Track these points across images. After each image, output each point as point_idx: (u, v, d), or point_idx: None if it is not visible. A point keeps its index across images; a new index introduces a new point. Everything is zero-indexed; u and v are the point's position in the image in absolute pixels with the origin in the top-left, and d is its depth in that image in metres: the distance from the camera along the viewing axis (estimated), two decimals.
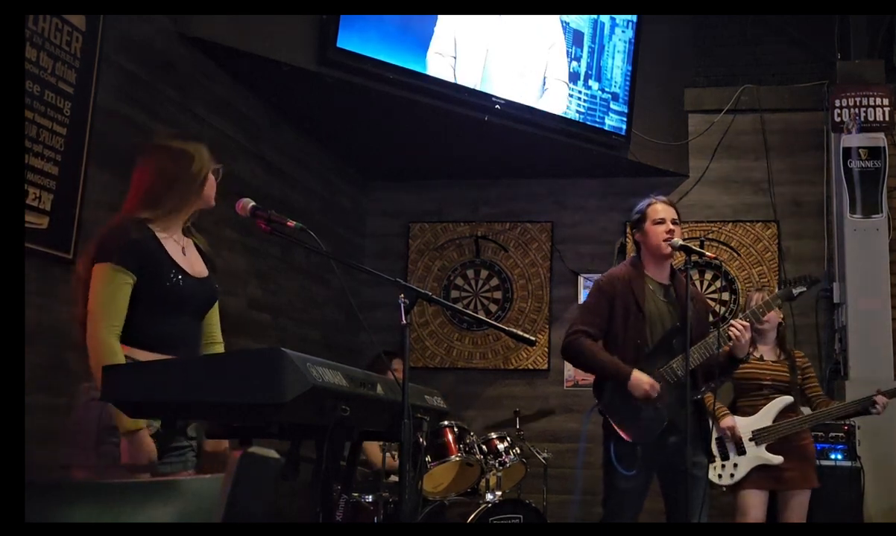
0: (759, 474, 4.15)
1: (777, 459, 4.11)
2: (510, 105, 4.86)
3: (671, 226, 3.45)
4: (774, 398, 4.20)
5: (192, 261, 2.52)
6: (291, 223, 2.28)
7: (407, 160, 5.95)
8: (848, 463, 4.58)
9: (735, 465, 4.15)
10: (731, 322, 3.42)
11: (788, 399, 4.18)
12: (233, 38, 4.13)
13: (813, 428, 4.38)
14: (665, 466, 3.40)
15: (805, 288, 3.63)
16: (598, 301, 3.53)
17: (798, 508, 4.16)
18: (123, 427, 2.23)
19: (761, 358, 4.25)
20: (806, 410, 4.28)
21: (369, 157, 5.96)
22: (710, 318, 3.71)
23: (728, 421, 4.17)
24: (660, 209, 3.48)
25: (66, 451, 2.33)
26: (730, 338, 3.38)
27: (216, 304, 2.64)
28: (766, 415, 4.18)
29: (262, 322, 4.95)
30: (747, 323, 3.39)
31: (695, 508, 3.28)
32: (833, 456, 4.58)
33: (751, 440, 4.14)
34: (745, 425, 4.18)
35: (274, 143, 5.05)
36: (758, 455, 4.14)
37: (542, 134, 5.12)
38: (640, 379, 3.32)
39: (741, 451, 4.15)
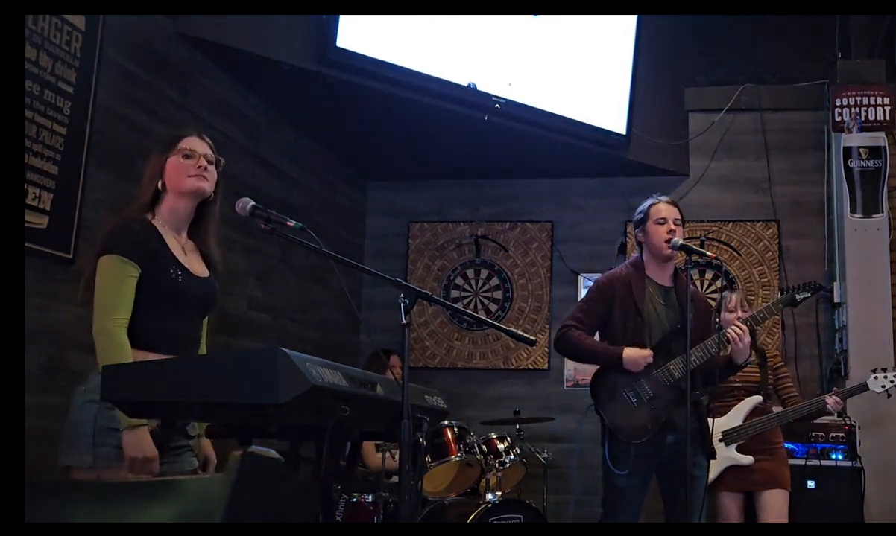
0: (732, 475, 4.13)
1: (747, 459, 4.10)
2: (510, 105, 4.86)
3: (673, 227, 3.44)
4: (745, 398, 4.21)
5: (191, 261, 2.52)
6: (291, 223, 2.27)
7: (407, 160, 5.95)
8: (848, 463, 4.57)
9: None
10: (730, 326, 3.41)
11: (757, 398, 4.19)
12: (233, 38, 4.13)
13: (790, 428, 4.37)
14: (664, 466, 3.40)
15: (808, 294, 3.63)
16: (594, 301, 3.54)
17: (774, 508, 4.10)
18: (126, 421, 2.23)
19: None
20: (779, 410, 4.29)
21: (369, 157, 5.96)
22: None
23: None
24: (663, 209, 3.48)
25: (64, 453, 2.32)
26: (728, 342, 3.38)
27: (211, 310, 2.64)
28: (735, 416, 4.18)
29: (262, 322, 4.95)
30: (746, 328, 3.38)
31: (694, 508, 3.28)
32: (833, 456, 4.58)
33: (720, 441, 4.14)
34: (715, 427, 4.12)
35: (274, 143, 5.05)
36: (728, 455, 4.13)
37: (542, 134, 5.12)
38: (633, 354, 3.33)
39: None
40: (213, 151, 2.56)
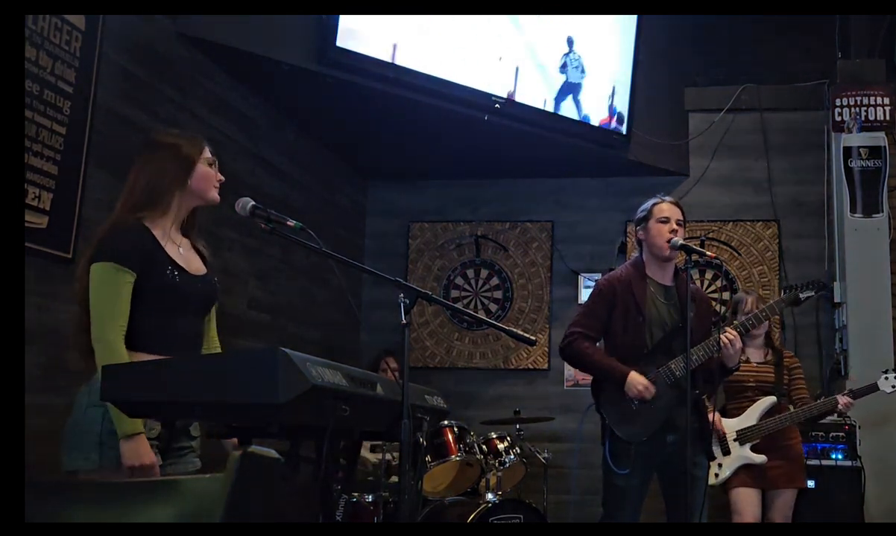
0: (746, 473, 4.18)
1: (760, 458, 4.15)
2: (510, 104, 4.86)
3: (675, 226, 3.44)
4: (759, 399, 4.24)
5: (188, 259, 2.52)
6: (291, 222, 2.27)
7: (407, 160, 5.94)
8: (848, 463, 4.57)
9: (720, 465, 4.20)
10: (723, 332, 3.40)
11: (772, 399, 4.22)
12: (233, 38, 4.13)
13: (802, 427, 4.40)
14: (664, 465, 3.40)
15: (812, 293, 3.63)
16: (597, 303, 3.53)
17: (782, 507, 4.20)
18: (122, 431, 2.23)
19: (747, 360, 4.28)
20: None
21: (369, 157, 5.96)
22: (713, 318, 3.70)
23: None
24: (665, 208, 3.48)
25: (68, 458, 2.32)
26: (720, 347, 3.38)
27: (214, 307, 2.63)
28: (750, 416, 4.23)
29: (262, 322, 4.95)
30: (735, 334, 3.37)
31: (695, 508, 3.28)
32: (833, 456, 4.58)
33: (735, 440, 4.19)
34: (730, 426, 4.23)
35: (274, 143, 5.05)
36: (742, 454, 4.18)
37: (542, 133, 5.12)
38: (636, 380, 3.32)
39: (725, 451, 4.20)
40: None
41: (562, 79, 5.13)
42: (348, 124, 5.26)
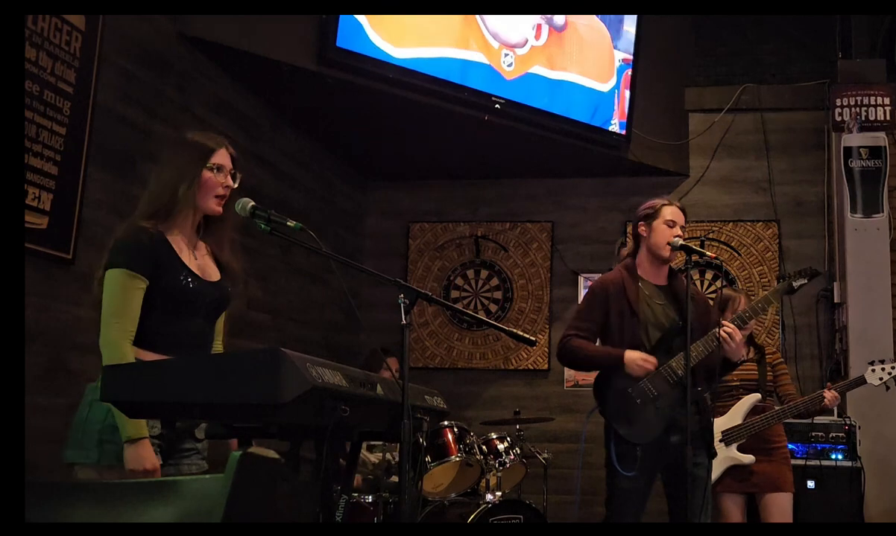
0: (733, 476, 4.10)
1: (748, 458, 4.08)
2: (510, 105, 4.86)
3: (679, 232, 3.44)
4: (744, 397, 4.18)
5: (202, 265, 2.51)
6: (291, 223, 2.27)
7: (407, 160, 5.95)
8: (848, 463, 4.57)
9: None
10: (723, 326, 3.38)
11: (756, 397, 4.16)
12: (233, 38, 4.13)
13: (789, 428, 4.33)
14: (669, 466, 3.39)
15: (805, 281, 3.60)
16: (590, 305, 3.53)
17: (777, 510, 4.09)
18: (126, 435, 2.23)
19: None
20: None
21: (369, 157, 5.96)
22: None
23: None
24: (676, 212, 3.46)
25: (70, 450, 2.33)
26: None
27: (224, 312, 2.63)
28: (734, 415, 4.15)
29: (262, 322, 4.95)
30: (734, 327, 3.35)
31: (696, 508, 3.28)
32: (833, 456, 4.58)
33: (720, 441, 4.11)
34: (715, 426, 4.12)
35: (274, 143, 5.05)
36: (729, 455, 4.10)
37: (542, 134, 5.12)
38: (633, 357, 3.31)
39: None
40: (234, 166, 2.55)
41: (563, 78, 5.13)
42: (348, 124, 5.26)
